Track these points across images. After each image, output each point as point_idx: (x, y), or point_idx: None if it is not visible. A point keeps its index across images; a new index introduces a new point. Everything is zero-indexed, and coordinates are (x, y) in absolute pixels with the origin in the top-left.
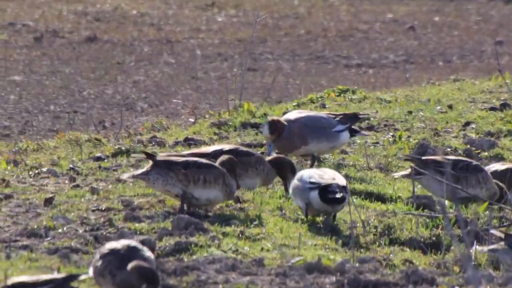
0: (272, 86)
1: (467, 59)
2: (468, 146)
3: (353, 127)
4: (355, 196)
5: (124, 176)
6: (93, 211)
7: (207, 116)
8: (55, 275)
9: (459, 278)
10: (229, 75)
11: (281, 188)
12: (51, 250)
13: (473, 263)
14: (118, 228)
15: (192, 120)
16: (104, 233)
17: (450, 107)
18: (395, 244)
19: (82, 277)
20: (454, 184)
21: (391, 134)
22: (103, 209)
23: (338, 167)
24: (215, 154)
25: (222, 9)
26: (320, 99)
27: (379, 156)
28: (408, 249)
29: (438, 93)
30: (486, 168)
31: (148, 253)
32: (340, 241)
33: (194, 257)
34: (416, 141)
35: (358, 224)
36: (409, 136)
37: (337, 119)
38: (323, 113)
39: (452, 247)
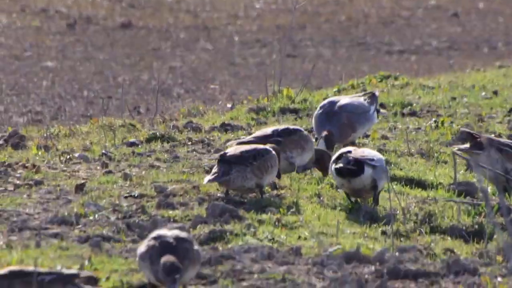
0: (312, 72)
1: None
2: None
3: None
4: (395, 182)
5: (205, 180)
6: (125, 197)
7: (245, 101)
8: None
9: (502, 268)
10: (268, 62)
11: (319, 174)
12: (82, 238)
13: None
14: (151, 215)
15: (230, 106)
16: (137, 220)
17: (495, 93)
18: (436, 232)
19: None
20: None
21: (433, 120)
22: (135, 195)
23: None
24: (277, 134)
25: None
26: (361, 84)
27: (421, 141)
28: (449, 238)
29: (483, 79)
30: None
31: (196, 246)
32: (379, 230)
33: (229, 245)
34: (459, 126)
35: (398, 212)
36: (452, 122)
37: (367, 100)
38: (353, 97)
39: (495, 236)
